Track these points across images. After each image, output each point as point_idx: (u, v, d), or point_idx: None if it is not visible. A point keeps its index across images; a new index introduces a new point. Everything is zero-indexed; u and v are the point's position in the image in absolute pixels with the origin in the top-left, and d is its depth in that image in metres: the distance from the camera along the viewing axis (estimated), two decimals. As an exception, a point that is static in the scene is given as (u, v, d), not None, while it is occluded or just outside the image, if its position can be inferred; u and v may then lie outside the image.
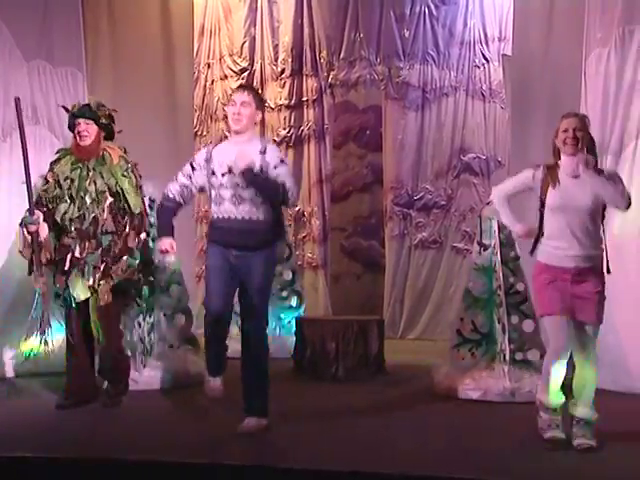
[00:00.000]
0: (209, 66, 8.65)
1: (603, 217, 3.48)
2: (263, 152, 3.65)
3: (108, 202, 4.31)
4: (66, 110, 4.50)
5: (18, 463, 3.29)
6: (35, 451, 3.38)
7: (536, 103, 5.75)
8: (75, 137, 4.35)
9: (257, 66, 8.49)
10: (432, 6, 7.86)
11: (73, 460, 3.31)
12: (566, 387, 3.52)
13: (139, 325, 5.05)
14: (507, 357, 4.57)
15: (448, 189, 7.75)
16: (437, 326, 7.50)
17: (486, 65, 7.78)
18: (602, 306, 3.43)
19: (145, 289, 4.94)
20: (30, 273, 4.23)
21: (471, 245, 6.80)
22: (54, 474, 3.27)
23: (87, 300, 4.28)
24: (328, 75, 8.14)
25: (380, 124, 8.06)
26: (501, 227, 4.71)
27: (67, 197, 4.27)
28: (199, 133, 8.54)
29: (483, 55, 7.79)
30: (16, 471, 3.28)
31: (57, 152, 4.54)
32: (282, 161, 3.72)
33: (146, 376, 4.94)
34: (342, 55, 8.07)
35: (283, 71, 8.36)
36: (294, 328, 5.88)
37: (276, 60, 8.41)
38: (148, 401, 4.57)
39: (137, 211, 4.40)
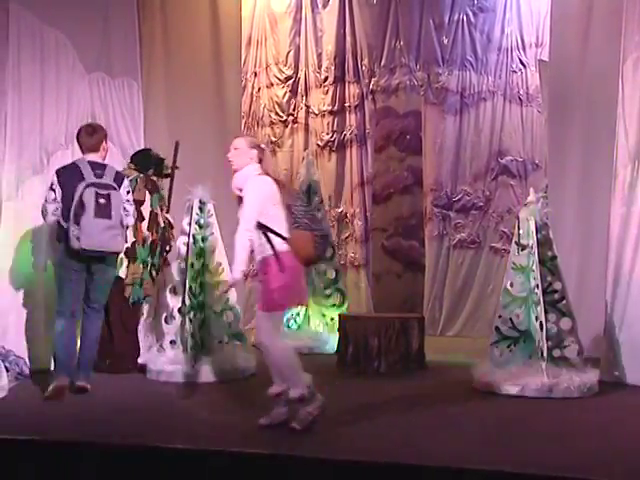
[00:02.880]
0: (256, 74, 8.74)
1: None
2: None
3: None
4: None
5: (81, 448, 3.40)
6: (99, 438, 3.49)
7: (573, 107, 5.68)
8: None
9: (301, 74, 8.55)
10: (470, 14, 7.81)
11: (131, 448, 3.40)
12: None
13: (190, 321, 5.16)
14: (545, 354, 4.54)
15: (486, 191, 7.69)
16: (476, 324, 7.46)
17: (523, 70, 7.70)
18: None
19: (196, 287, 5.11)
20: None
21: (509, 245, 6.72)
22: (112, 462, 3.37)
23: None
24: (369, 82, 8.16)
25: (420, 128, 8.02)
26: (539, 228, 4.68)
27: None
28: (246, 139, 8.63)
29: (520, 60, 7.72)
30: (74, 455, 3.39)
31: None
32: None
33: (197, 370, 5.04)
34: (383, 62, 8.08)
35: (326, 78, 8.40)
36: (337, 325, 5.92)
37: (320, 68, 8.46)
38: (201, 394, 4.66)
39: None
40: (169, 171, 5.61)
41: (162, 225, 5.48)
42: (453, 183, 7.78)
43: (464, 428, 3.78)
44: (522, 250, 4.73)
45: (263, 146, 3.95)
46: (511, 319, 4.72)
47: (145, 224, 5.41)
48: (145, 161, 5.54)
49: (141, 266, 5.36)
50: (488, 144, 7.71)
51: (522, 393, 4.47)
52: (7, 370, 4.63)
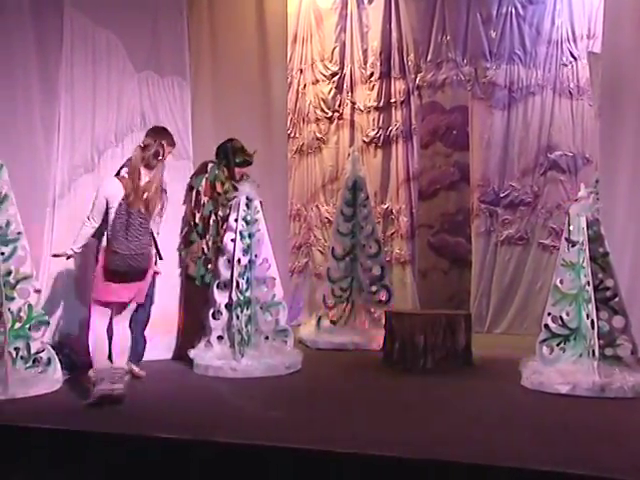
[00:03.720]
0: (301, 71, 8.73)
1: None
2: None
3: None
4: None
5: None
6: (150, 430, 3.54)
7: (625, 100, 5.50)
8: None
9: (347, 70, 8.50)
10: (519, 6, 7.63)
11: (179, 441, 3.45)
12: None
13: (237, 317, 5.20)
14: (596, 352, 4.43)
15: (534, 186, 7.53)
16: (524, 321, 7.32)
17: (574, 63, 7.50)
18: None
19: (243, 283, 5.17)
20: None
21: (558, 242, 6.60)
22: (160, 455, 3.42)
23: None
24: (415, 77, 8.06)
25: (467, 123, 7.92)
26: (590, 224, 4.57)
27: None
28: (292, 135, 8.64)
29: (571, 53, 7.51)
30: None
31: None
32: None
33: (244, 365, 5.08)
34: (429, 57, 7.97)
35: (372, 74, 8.33)
36: (383, 321, 5.89)
37: (365, 64, 8.40)
38: (248, 390, 4.70)
39: None
40: (251, 159, 5.82)
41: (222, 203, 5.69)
42: (501, 179, 7.65)
43: (512, 427, 3.71)
44: (572, 247, 4.63)
45: None
46: (561, 317, 4.63)
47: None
48: (226, 150, 5.79)
49: (200, 244, 5.59)
50: (537, 139, 7.54)
51: (573, 392, 4.37)
52: (61, 363, 4.74)
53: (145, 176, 4.37)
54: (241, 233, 5.31)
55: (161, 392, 4.61)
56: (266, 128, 6.94)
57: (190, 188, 5.78)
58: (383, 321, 5.88)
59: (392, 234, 8.17)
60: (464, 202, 8.05)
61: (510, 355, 5.56)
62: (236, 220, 5.32)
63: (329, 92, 8.60)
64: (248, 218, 5.36)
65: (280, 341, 5.34)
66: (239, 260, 5.26)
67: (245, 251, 5.31)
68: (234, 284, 5.21)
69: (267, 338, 5.30)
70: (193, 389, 4.73)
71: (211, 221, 5.66)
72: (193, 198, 5.72)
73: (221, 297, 5.29)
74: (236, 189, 5.52)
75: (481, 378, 5.04)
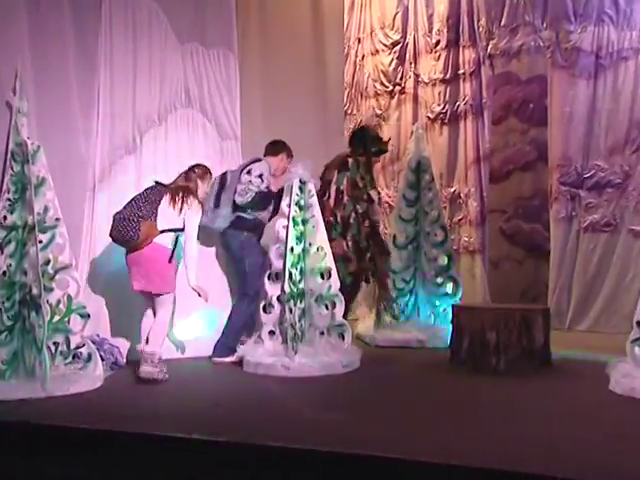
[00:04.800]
0: (359, 41, 8.70)
1: None
2: None
3: None
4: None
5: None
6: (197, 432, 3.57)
7: None
8: None
9: (410, 38, 8.44)
10: (610, -44, 7.37)
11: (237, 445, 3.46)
12: None
13: (290, 311, 5.19)
14: (699, 354, 4.26)
15: (625, 166, 7.27)
16: (611, 318, 7.12)
17: (677, 21, 7.20)
18: None
19: (296, 274, 5.18)
20: None
21: (652, 228, 6.40)
22: (201, 458, 3.44)
23: None
24: (487, 45, 7.94)
25: (545, 96, 7.74)
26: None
27: None
28: (349, 112, 8.62)
29: (674, 9, 7.21)
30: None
31: None
32: None
33: (298, 363, 5.07)
34: (503, 22, 7.82)
35: (438, 42, 8.24)
36: (450, 316, 5.81)
37: (430, 31, 8.31)
38: (301, 389, 4.69)
39: None
40: (386, 147, 6.01)
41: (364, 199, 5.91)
42: (584, 157, 7.45)
43: (597, 437, 3.58)
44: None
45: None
46: (657, 313, 4.46)
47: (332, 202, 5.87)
48: (362, 140, 5.98)
49: (343, 243, 5.78)
50: (628, 111, 7.25)
51: (670, 399, 4.21)
52: (102, 359, 4.82)
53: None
54: (294, 219, 5.30)
55: (206, 392, 4.64)
56: (320, 104, 6.93)
57: (327, 182, 5.90)
58: (450, 316, 5.80)
59: (460, 220, 8.10)
60: (541, 184, 7.89)
61: (595, 356, 5.42)
62: (289, 205, 5.31)
63: (390, 63, 8.54)
64: (301, 203, 5.35)
65: (336, 337, 5.32)
66: (292, 249, 5.26)
67: (298, 239, 5.30)
68: (287, 275, 5.21)
69: (322, 334, 5.29)
70: (242, 389, 4.75)
71: (351, 220, 5.86)
72: (332, 195, 5.87)
73: (273, 289, 5.30)
74: (373, 184, 5.76)
75: (561, 381, 4.92)
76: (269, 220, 5.68)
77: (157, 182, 5.07)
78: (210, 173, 5.32)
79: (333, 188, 5.87)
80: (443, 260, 6.59)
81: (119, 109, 5.69)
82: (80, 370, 4.64)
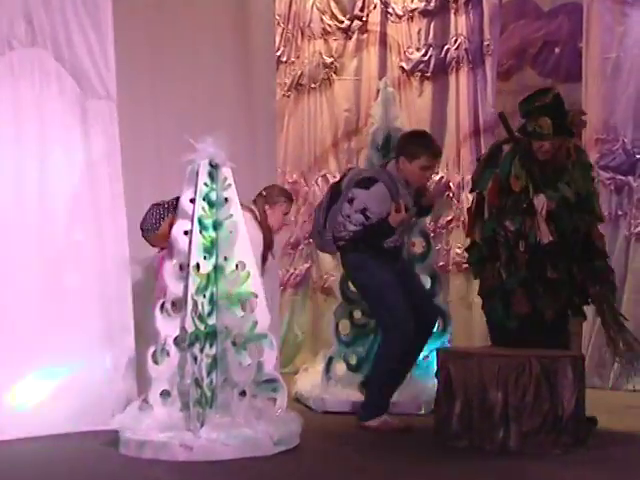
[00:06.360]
0: (300, -46, 8.81)
1: None
2: None
3: None
4: None
5: None
6: None
7: None
8: None
9: (374, -50, 8.59)
10: None
11: None
12: None
13: (194, 359, 5.24)
14: None
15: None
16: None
17: None
18: None
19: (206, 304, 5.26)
20: None
21: None
22: None
23: None
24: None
25: (579, 35, 7.96)
26: None
27: None
28: (284, 60, 8.70)
29: None
30: None
31: None
32: None
33: (205, 440, 5.05)
34: None
35: (416, -45, 8.42)
36: (434, 367, 5.94)
37: None
38: None
39: None
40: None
41: None
42: (637, 128, 7.69)
43: None
44: None
45: None
46: None
47: None
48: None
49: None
50: None
51: None
52: None
53: None
54: (201, 221, 5.34)
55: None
56: (240, 48, 7.00)
57: None
58: (434, 366, 5.93)
59: (449, 223, 8.27)
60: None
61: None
62: (192, 200, 5.36)
63: (345, -13, 8.67)
64: (212, 196, 5.39)
65: (265, 399, 5.38)
66: (197, 266, 5.31)
67: (207, 251, 5.36)
68: (189, 305, 5.26)
69: (243, 394, 5.34)
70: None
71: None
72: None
73: (167, 326, 5.34)
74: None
75: (603, 469, 4.99)
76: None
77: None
78: (287, 197, 6.20)
79: None
80: (424, 282, 6.73)
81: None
82: None
